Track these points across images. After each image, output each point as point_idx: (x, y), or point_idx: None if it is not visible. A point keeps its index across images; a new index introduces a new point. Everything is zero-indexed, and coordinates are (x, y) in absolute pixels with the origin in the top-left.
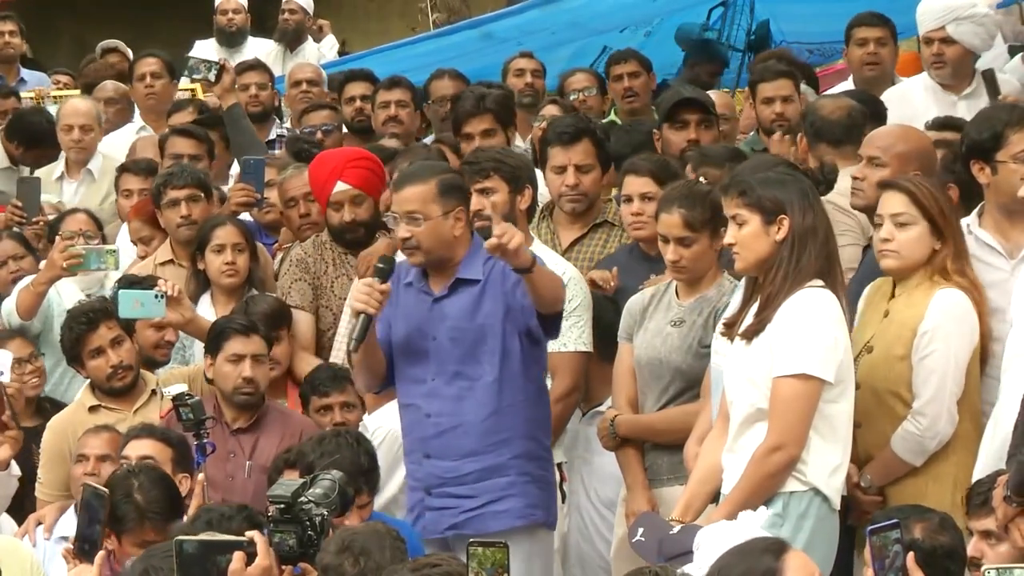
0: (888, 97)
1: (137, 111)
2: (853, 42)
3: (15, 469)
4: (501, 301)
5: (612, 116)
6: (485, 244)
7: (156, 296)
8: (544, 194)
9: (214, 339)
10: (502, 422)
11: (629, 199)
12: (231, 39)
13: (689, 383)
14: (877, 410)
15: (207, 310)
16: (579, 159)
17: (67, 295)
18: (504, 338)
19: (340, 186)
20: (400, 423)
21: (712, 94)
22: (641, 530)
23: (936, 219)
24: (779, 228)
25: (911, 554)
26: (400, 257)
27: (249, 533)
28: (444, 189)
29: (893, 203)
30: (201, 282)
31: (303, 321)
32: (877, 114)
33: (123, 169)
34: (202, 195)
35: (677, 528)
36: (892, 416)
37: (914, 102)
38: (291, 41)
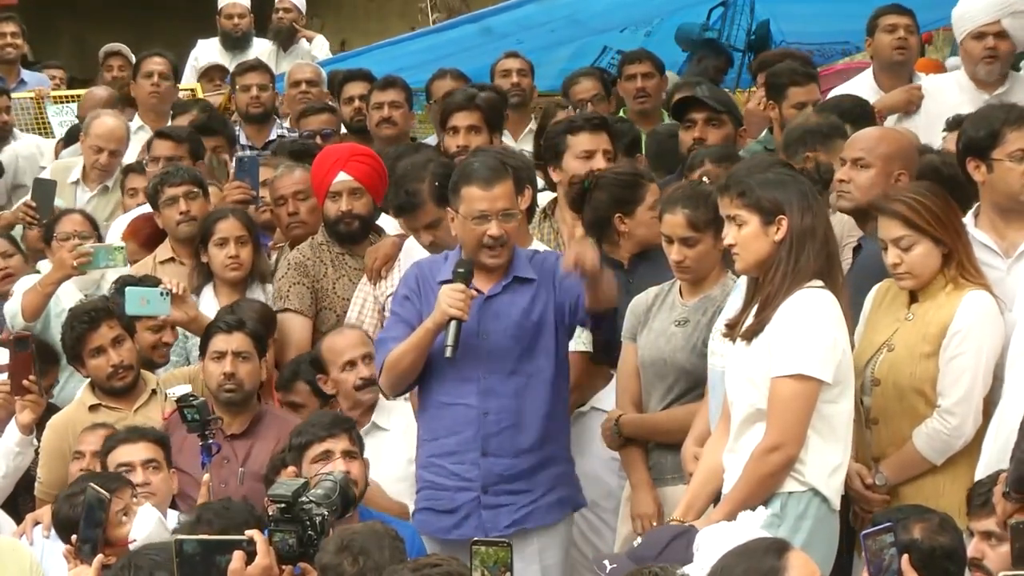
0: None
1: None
2: (881, 29)
3: (34, 439)
4: (552, 298)
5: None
6: (565, 262)
7: (161, 293)
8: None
9: (203, 341)
10: (552, 416)
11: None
12: (237, 43)
13: (693, 383)
14: (897, 407)
15: (210, 303)
16: (606, 144)
17: (65, 295)
18: (557, 334)
19: (342, 176)
20: (429, 423)
21: None
22: (607, 562)
23: (933, 232)
24: (778, 229)
25: (906, 556)
26: (406, 252)
27: (249, 532)
28: (520, 179)
29: (890, 229)
30: (204, 275)
31: (299, 326)
32: (865, 115)
33: (128, 169)
34: (199, 191)
35: (637, 540)
36: (912, 414)
37: (948, 98)
38: (285, 40)
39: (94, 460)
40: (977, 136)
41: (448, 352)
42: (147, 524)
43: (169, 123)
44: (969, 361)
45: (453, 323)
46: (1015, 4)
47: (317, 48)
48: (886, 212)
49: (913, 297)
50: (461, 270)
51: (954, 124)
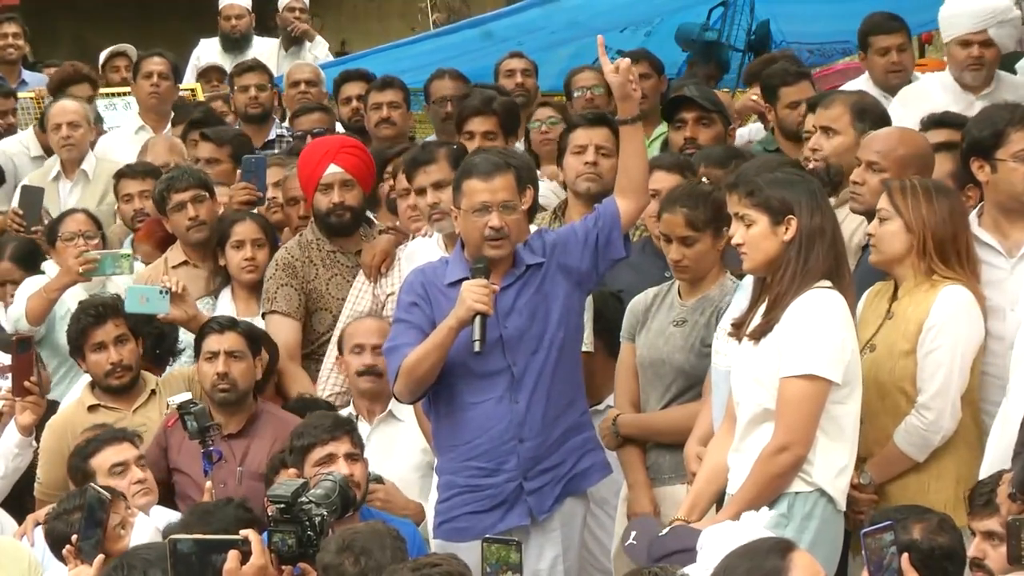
0: (906, 94)
1: (135, 111)
2: (874, 50)
3: (33, 440)
4: (559, 269)
5: None
6: (620, 64)
7: (161, 292)
8: (545, 196)
9: (196, 342)
10: (570, 380)
11: (656, 194)
12: (235, 44)
13: (691, 382)
14: (880, 406)
15: (227, 305)
16: (600, 140)
17: (70, 295)
18: (569, 298)
19: (332, 168)
20: (456, 429)
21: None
22: (634, 533)
23: (907, 218)
24: (787, 228)
25: (905, 555)
26: (407, 256)
27: (244, 532)
28: (521, 178)
29: (880, 199)
30: (222, 278)
31: (286, 328)
32: (882, 119)
33: (120, 175)
34: (206, 194)
35: (666, 530)
36: (895, 412)
37: (933, 100)
38: (290, 40)
39: None
40: (981, 136)
41: (476, 346)
42: (145, 535)
43: (169, 125)
44: (944, 356)
45: (479, 318)
46: (1001, 13)
47: (318, 49)
48: (884, 185)
49: (895, 296)
50: (480, 266)
51: (928, 124)
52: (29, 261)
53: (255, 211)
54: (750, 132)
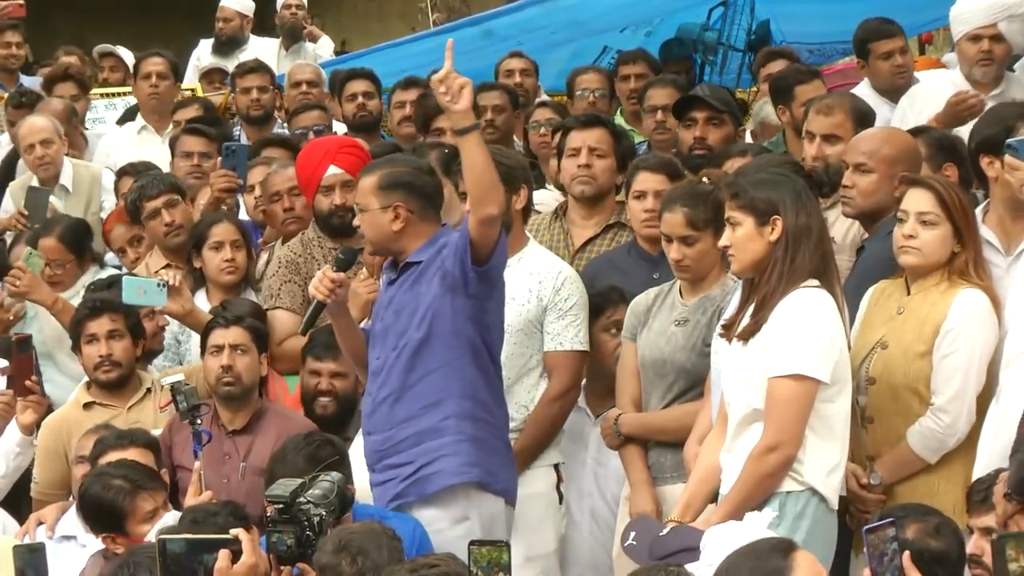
0: (915, 93)
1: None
2: (875, 56)
3: (34, 440)
4: (438, 271)
5: (619, 117)
6: (438, 75)
7: (158, 285)
8: (542, 198)
9: (202, 337)
10: (434, 383)
11: (642, 195)
12: (222, 48)
13: (693, 382)
14: (892, 406)
15: (203, 307)
16: (593, 142)
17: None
18: (432, 300)
19: (332, 170)
20: None
21: None
22: (633, 533)
23: (959, 222)
24: (772, 229)
25: (907, 553)
26: None
27: (234, 531)
28: (386, 184)
29: (921, 201)
30: (196, 280)
31: (292, 324)
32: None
33: (123, 172)
34: (179, 198)
35: (667, 529)
36: (907, 412)
37: (943, 98)
38: (290, 39)
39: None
40: (991, 132)
41: (301, 329)
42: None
43: (171, 122)
44: (961, 359)
45: (314, 303)
46: (1012, 8)
47: (322, 48)
48: (922, 184)
49: (907, 292)
50: (341, 256)
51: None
52: (77, 243)
53: (234, 202)
54: None
